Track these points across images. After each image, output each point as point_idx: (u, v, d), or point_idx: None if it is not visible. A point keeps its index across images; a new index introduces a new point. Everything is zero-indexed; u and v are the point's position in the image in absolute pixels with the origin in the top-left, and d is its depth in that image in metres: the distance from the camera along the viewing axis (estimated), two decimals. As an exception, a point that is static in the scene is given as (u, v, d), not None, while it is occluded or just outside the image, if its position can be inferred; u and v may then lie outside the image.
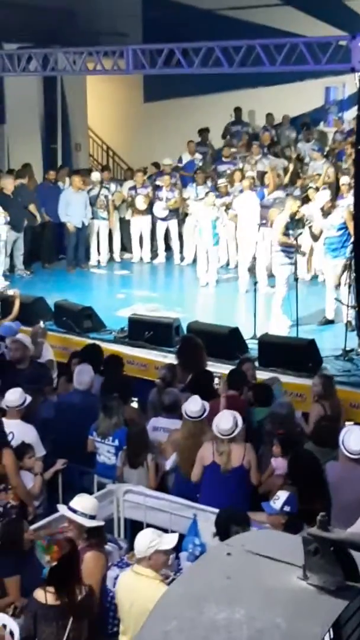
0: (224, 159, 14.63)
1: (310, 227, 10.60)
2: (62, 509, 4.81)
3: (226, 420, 5.95)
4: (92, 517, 4.66)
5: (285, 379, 8.16)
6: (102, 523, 4.73)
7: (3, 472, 5.88)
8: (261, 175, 12.80)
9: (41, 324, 8.87)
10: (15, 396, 6.47)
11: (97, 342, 9.04)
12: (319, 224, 10.15)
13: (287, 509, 4.93)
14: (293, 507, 4.94)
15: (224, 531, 4.56)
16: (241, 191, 12.43)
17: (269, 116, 15.84)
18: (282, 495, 4.99)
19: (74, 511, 4.65)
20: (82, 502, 4.70)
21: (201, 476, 6.04)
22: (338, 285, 9.92)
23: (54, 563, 4.19)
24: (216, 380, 7.19)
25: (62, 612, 4.14)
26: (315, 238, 10.58)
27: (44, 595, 4.18)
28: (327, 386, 7.23)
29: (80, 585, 4.24)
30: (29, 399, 6.53)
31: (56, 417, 7.10)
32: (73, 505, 4.69)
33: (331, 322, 10.10)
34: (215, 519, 4.92)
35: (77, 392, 7.19)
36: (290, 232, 10.02)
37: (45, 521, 5.66)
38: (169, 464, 6.43)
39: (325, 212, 10.02)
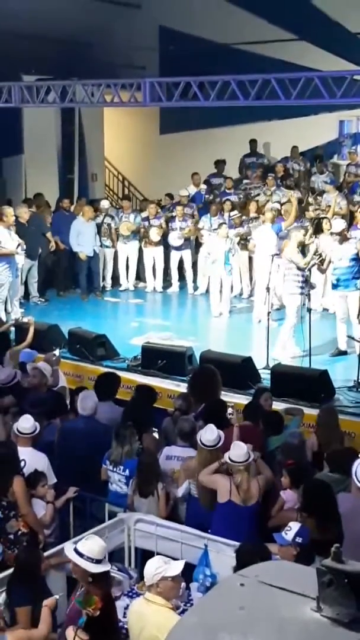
0: (227, 191, 14.72)
1: (320, 260, 10.58)
2: (68, 550, 4.67)
3: (238, 448, 5.94)
4: (99, 561, 4.55)
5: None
6: (107, 568, 4.62)
7: (14, 500, 5.89)
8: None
9: (56, 351, 8.90)
10: (28, 423, 6.50)
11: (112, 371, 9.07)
12: (331, 254, 10.14)
13: (299, 540, 4.90)
14: (305, 539, 4.91)
15: (245, 565, 4.52)
16: (255, 219, 12.49)
17: (294, 149, 15.77)
18: (294, 527, 4.97)
19: (80, 554, 4.52)
20: (89, 546, 4.56)
21: (214, 509, 6.01)
22: (345, 318, 9.95)
23: (97, 613, 4.16)
24: (229, 410, 7.16)
25: None
26: (323, 271, 10.57)
27: (73, 637, 4.17)
28: (324, 417, 7.21)
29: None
30: (39, 426, 6.56)
31: (59, 443, 7.12)
32: (80, 548, 4.56)
33: (344, 353, 10.09)
34: (237, 553, 4.86)
35: (80, 417, 7.20)
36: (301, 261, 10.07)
37: (55, 550, 5.65)
38: (181, 491, 6.40)
39: (342, 240, 10.00)
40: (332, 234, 10.41)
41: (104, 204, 14.24)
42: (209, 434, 6.28)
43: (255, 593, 2.07)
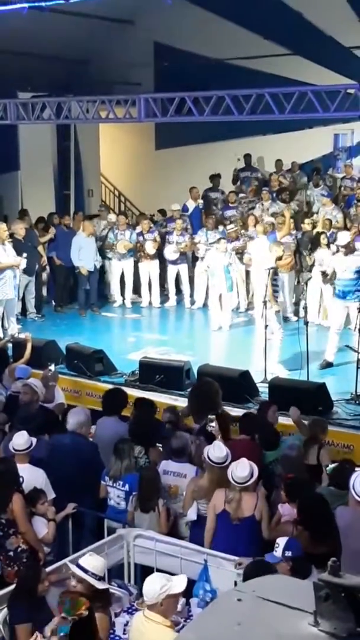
0: (230, 205, 14.83)
1: (323, 272, 10.60)
2: (71, 566, 4.70)
3: (243, 468, 5.88)
4: (101, 579, 4.58)
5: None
6: (109, 585, 4.64)
7: (13, 517, 5.88)
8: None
9: (52, 367, 8.90)
10: (22, 439, 6.48)
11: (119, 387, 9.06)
12: (335, 265, 10.13)
13: (288, 554, 4.90)
14: (295, 551, 4.90)
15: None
16: (252, 237, 12.54)
17: (278, 162, 16.04)
18: (281, 542, 4.96)
19: (85, 570, 4.57)
20: (93, 562, 4.62)
21: (214, 525, 5.99)
22: (341, 330, 9.97)
23: (85, 614, 4.13)
24: (213, 424, 7.13)
25: None
26: (328, 281, 10.58)
27: None
28: (313, 428, 7.20)
29: None
30: (34, 440, 6.55)
31: (49, 457, 7.10)
32: (83, 564, 4.61)
33: (330, 364, 10.11)
34: (244, 572, 4.83)
35: (66, 433, 7.20)
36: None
37: (55, 566, 5.63)
38: (193, 515, 6.26)
39: (347, 252, 10.01)
40: (337, 246, 10.41)
41: (112, 217, 14.33)
42: (218, 451, 6.19)
43: (252, 608, 2.07)
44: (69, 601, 4.20)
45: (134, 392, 9.23)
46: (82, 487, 6.73)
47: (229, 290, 12.27)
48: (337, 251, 10.31)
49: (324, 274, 10.34)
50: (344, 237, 10.10)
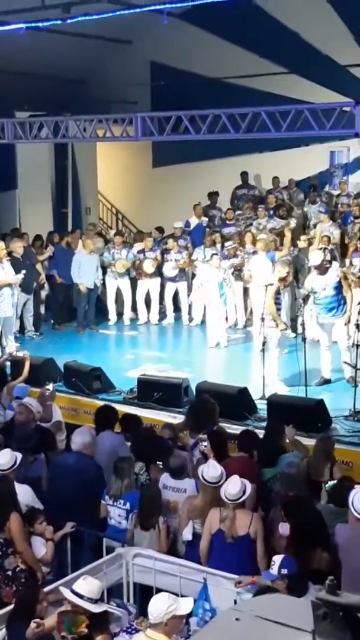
0: (227, 222, 14.89)
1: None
2: (66, 593, 4.62)
3: (234, 485, 5.87)
4: (96, 601, 4.53)
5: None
6: (106, 606, 4.59)
7: (10, 537, 5.85)
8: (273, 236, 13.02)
9: (50, 386, 8.89)
10: (5, 458, 6.45)
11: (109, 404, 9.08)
12: (312, 285, 10.16)
13: (284, 571, 4.89)
14: (290, 568, 4.89)
15: None
16: (254, 253, 12.58)
17: (275, 179, 16.13)
18: (277, 560, 4.96)
19: (80, 596, 4.50)
20: (88, 586, 4.55)
21: (209, 544, 5.96)
22: (330, 346, 9.98)
23: (85, 631, 4.11)
24: (205, 443, 7.09)
25: None
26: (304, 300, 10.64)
27: None
28: (320, 445, 7.18)
29: None
30: (19, 456, 6.52)
31: (51, 478, 7.13)
32: (78, 589, 4.54)
33: (328, 381, 10.12)
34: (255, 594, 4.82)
35: (71, 452, 7.19)
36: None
37: (53, 586, 5.60)
38: (188, 535, 6.24)
39: (321, 272, 10.03)
40: (309, 267, 10.47)
41: (99, 243, 14.35)
42: (212, 470, 6.17)
43: (250, 628, 2.07)
44: (69, 619, 4.18)
45: (132, 410, 9.23)
46: (83, 507, 6.70)
47: (223, 305, 12.29)
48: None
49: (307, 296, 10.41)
50: (316, 258, 10.11)
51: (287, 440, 7.46)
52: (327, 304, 9.92)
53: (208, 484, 6.13)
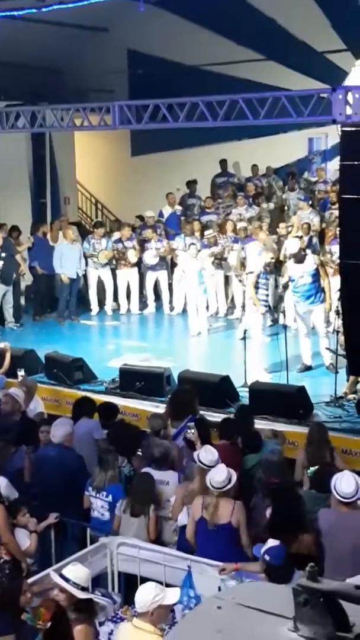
0: (207, 210, 14.86)
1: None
2: (54, 576, 4.67)
3: (220, 473, 5.90)
4: (84, 589, 4.55)
5: (276, 426, 8.17)
6: (92, 595, 4.61)
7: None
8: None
9: (22, 372, 8.80)
10: None
11: (88, 394, 9.08)
12: (290, 273, 10.20)
13: (266, 557, 4.93)
14: (274, 559, 4.91)
15: None
16: (236, 241, 12.55)
17: (254, 167, 16.14)
18: (269, 543, 5.00)
19: (67, 580, 4.53)
20: (75, 572, 4.59)
21: (195, 531, 5.99)
22: (309, 333, 10.02)
23: (48, 625, 4.13)
24: (192, 430, 7.13)
25: None
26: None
27: None
28: (315, 433, 7.23)
29: None
30: None
31: (34, 470, 7.12)
32: (66, 573, 4.57)
33: (309, 367, 10.17)
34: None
35: (52, 445, 7.18)
36: (261, 281, 10.19)
37: (37, 577, 5.61)
38: (184, 519, 6.27)
39: (298, 260, 10.07)
40: (286, 255, 10.53)
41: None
42: (210, 454, 6.20)
43: (232, 615, 2.08)
44: (31, 610, 4.19)
45: (114, 400, 9.22)
46: (68, 498, 6.72)
47: (203, 294, 12.29)
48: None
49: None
50: (293, 245, 10.15)
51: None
52: (305, 292, 9.96)
53: (206, 467, 6.13)
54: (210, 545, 5.82)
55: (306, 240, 11.92)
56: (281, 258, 11.51)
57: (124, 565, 6.08)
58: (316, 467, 6.68)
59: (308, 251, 10.49)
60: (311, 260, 9.97)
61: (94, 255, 13.64)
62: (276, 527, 5.33)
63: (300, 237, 11.49)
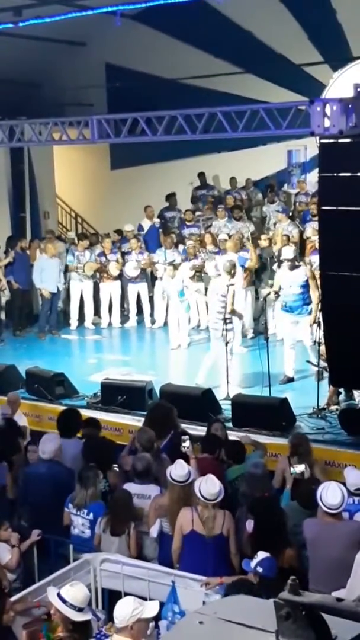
0: (187, 223, 14.88)
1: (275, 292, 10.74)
2: (51, 595, 4.53)
3: (213, 485, 5.90)
4: (81, 609, 4.42)
5: (259, 438, 8.14)
6: (89, 617, 4.49)
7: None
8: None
9: None
10: None
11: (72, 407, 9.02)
12: (280, 280, 10.23)
13: (259, 569, 4.91)
14: (267, 571, 4.89)
15: None
16: (218, 252, 12.57)
17: (233, 180, 16.19)
18: (259, 555, 4.97)
19: (64, 601, 4.40)
20: (74, 593, 4.43)
21: (181, 544, 5.95)
22: (294, 344, 10.03)
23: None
24: (187, 444, 7.12)
25: None
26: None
27: None
28: (297, 446, 7.22)
29: None
30: None
31: (24, 488, 7.06)
32: (63, 593, 4.44)
33: (292, 379, 10.17)
34: (226, 591, 4.82)
35: (41, 461, 7.12)
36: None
37: (21, 594, 5.53)
38: (154, 532, 6.26)
39: (292, 267, 10.10)
40: (281, 260, 10.54)
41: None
42: (179, 469, 6.22)
43: (214, 630, 2.05)
44: (47, 625, 4.13)
45: (96, 415, 9.16)
46: (58, 514, 6.66)
47: (185, 311, 12.33)
48: (281, 265, 10.44)
49: (275, 293, 10.48)
50: (289, 252, 10.21)
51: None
52: (292, 302, 9.97)
53: (175, 482, 6.16)
54: (202, 558, 5.79)
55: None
56: (274, 268, 11.53)
57: (108, 582, 6.02)
58: (301, 467, 6.65)
59: (301, 262, 10.51)
60: (302, 272, 10.00)
61: (79, 268, 13.60)
62: (259, 542, 5.31)
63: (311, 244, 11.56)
